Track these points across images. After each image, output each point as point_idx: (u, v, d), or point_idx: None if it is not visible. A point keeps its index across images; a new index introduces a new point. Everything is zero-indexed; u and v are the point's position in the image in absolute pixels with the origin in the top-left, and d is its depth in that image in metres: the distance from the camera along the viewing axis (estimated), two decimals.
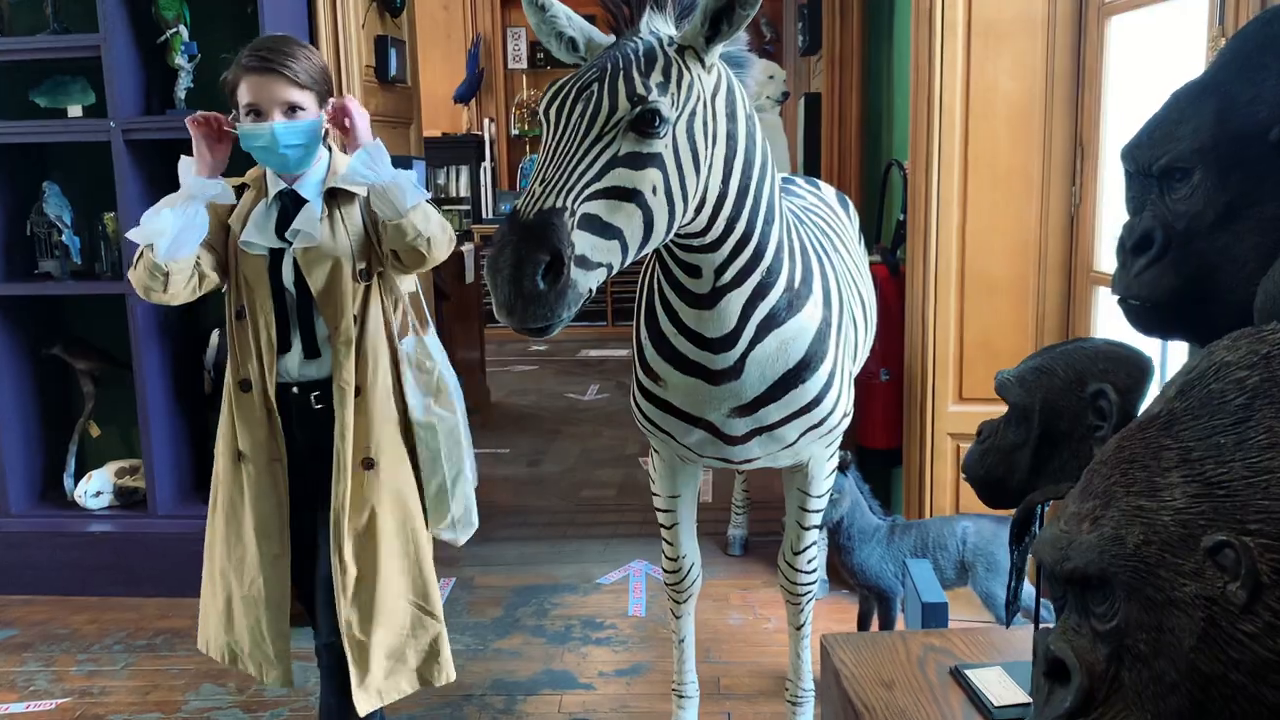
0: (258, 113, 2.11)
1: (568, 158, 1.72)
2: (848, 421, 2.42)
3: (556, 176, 1.71)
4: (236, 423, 2.28)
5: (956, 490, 3.34)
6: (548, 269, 1.65)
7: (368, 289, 2.26)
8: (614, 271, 1.80)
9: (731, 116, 1.92)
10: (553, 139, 1.77)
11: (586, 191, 1.71)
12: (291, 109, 2.12)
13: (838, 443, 2.50)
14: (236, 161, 2.24)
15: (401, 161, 4.20)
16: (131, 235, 2.14)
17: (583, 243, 1.70)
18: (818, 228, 2.54)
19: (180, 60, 3.59)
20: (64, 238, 3.70)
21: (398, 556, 2.30)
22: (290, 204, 2.22)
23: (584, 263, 1.71)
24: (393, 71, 4.14)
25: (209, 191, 2.14)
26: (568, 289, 1.68)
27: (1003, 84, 3.14)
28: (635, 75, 1.76)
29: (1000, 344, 3.24)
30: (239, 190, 2.29)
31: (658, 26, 1.87)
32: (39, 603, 3.73)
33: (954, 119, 3.17)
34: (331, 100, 2.19)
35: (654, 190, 1.78)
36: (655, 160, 1.77)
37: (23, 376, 3.87)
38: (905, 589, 2.79)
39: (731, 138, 1.92)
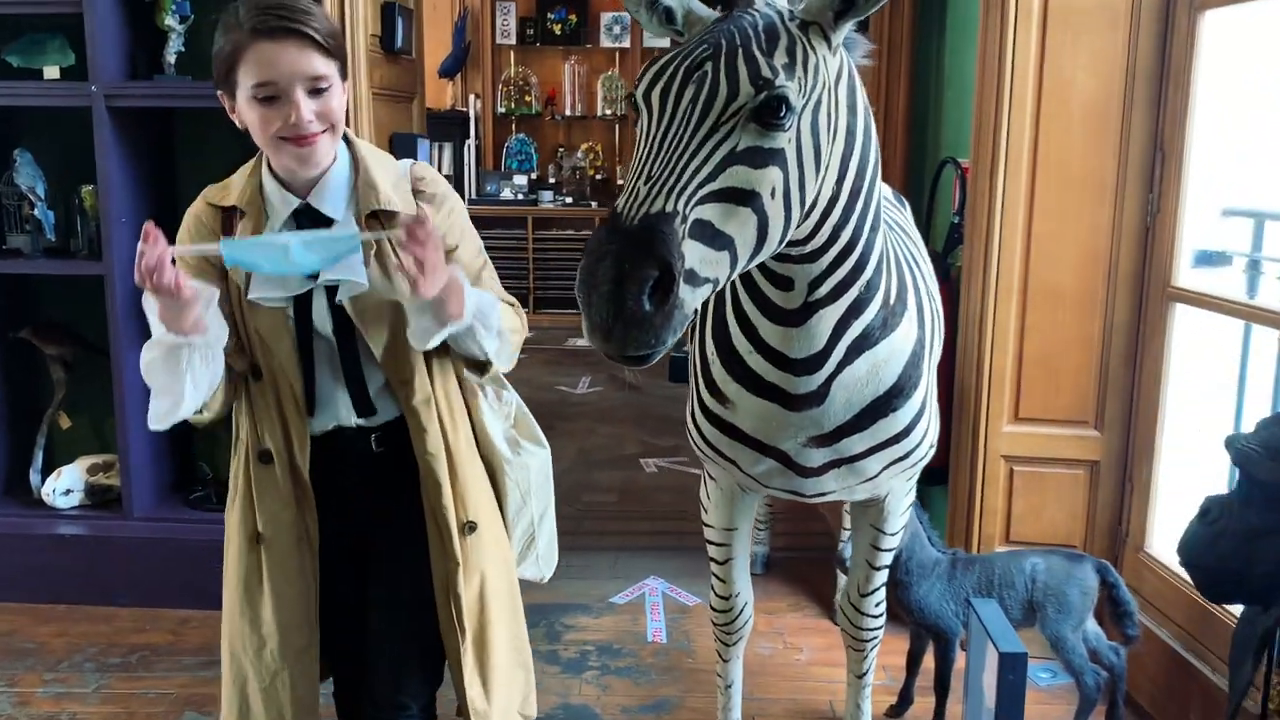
0: (271, 97, 1.60)
1: (677, 151, 1.45)
2: (933, 453, 2.17)
3: (664, 174, 1.43)
4: (256, 500, 1.83)
5: (1008, 518, 3.11)
6: (655, 286, 1.38)
7: None
8: (717, 289, 1.53)
9: (852, 109, 1.65)
10: (657, 128, 1.49)
11: (700, 193, 1.44)
12: (316, 89, 1.62)
13: (918, 475, 2.25)
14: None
15: (406, 141, 3.92)
16: (154, 424, 1.67)
17: (692, 254, 1.43)
18: (897, 230, 2.28)
19: (171, 21, 3.27)
20: (36, 211, 3.36)
21: (507, 613, 1.97)
22: (310, 224, 1.72)
23: (692, 278, 1.44)
24: (399, 43, 3.82)
25: (198, 331, 1.58)
26: (674, 310, 1.41)
27: (1079, 79, 2.89)
28: (757, 55, 1.48)
29: (1062, 361, 3.01)
30: (226, 215, 1.75)
31: None
32: (1, 610, 3.41)
33: (1024, 116, 2.92)
34: (402, 220, 1.61)
35: (773, 193, 1.50)
36: (777, 157, 1.50)
37: None
38: (969, 629, 2.56)
39: (851, 133, 1.65)
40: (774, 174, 1.50)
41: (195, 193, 3.56)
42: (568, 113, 8.90)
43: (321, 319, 1.74)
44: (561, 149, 9.01)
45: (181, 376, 1.60)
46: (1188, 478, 3.00)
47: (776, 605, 3.52)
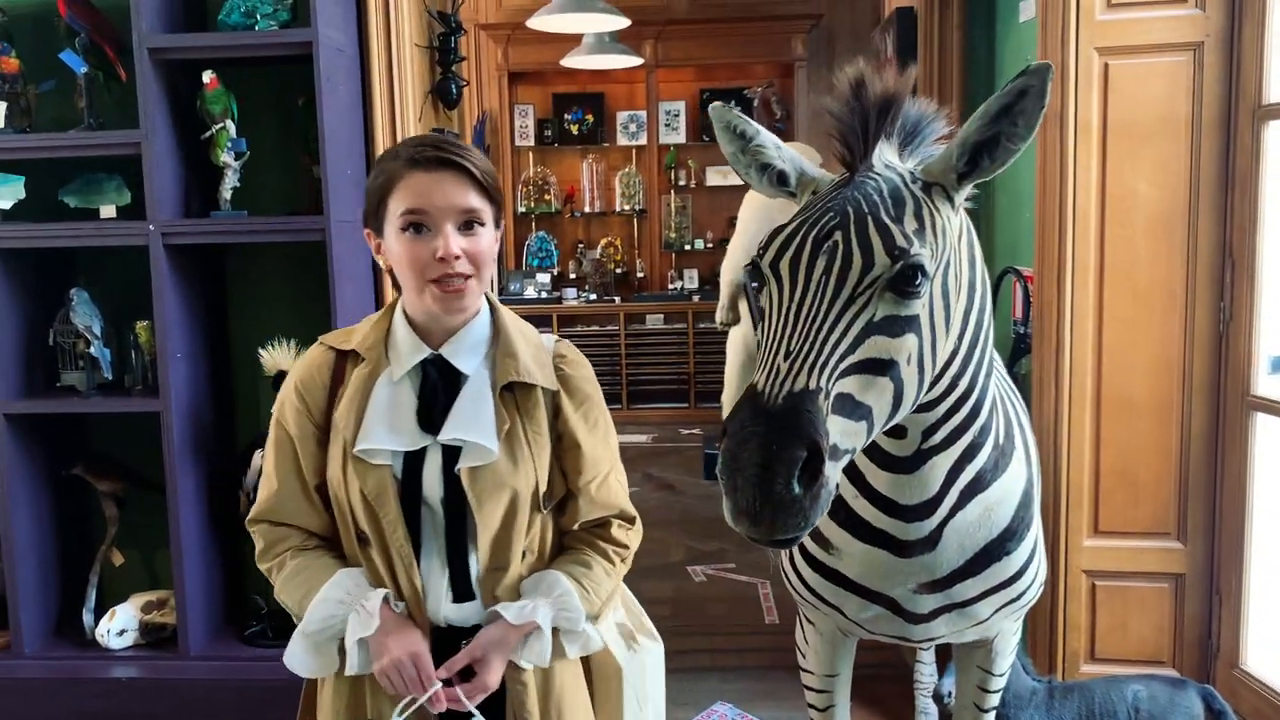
0: (418, 226, 1.54)
1: (814, 325, 1.41)
2: (1041, 592, 2.11)
3: (804, 349, 1.40)
4: (368, 687, 1.63)
5: (1092, 635, 3.04)
6: (804, 468, 1.33)
7: (544, 517, 1.68)
8: (850, 459, 1.49)
9: (972, 262, 1.63)
10: (789, 300, 1.45)
11: (841, 366, 1.40)
12: (469, 222, 1.56)
13: (1025, 614, 2.18)
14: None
15: None
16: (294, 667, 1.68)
17: (834, 429, 1.39)
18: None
19: (226, 158, 3.28)
20: (93, 349, 3.34)
21: None
22: (439, 376, 1.62)
23: (834, 453, 1.40)
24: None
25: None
26: (822, 490, 1.36)
27: (1142, 190, 2.89)
28: (888, 223, 1.46)
29: (1141, 471, 2.96)
30: (340, 359, 1.66)
31: (889, 159, 1.58)
32: None
33: (1088, 226, 2.92)
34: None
35: (909, 359, 1.47)
36: (913, 324, 1.46)
37: (40, 500, 3.49)
38: None
39: (973, 287, 1.62)
40: (911, 341, 1.47)
41: (246, 327, 3.60)
42: (586, 209, 8.97)
43: (433, 483, 1.60)
44: (581, 244, 9.06)
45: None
46: None
47: None
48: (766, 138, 1.68)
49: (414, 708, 1.54)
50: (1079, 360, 2.95)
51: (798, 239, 1.50)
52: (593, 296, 8.56)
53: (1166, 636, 3.00)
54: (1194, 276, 2.88)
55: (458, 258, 1.54)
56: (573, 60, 7.02)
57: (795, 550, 2.09)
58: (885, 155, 1.57)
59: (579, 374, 1.71)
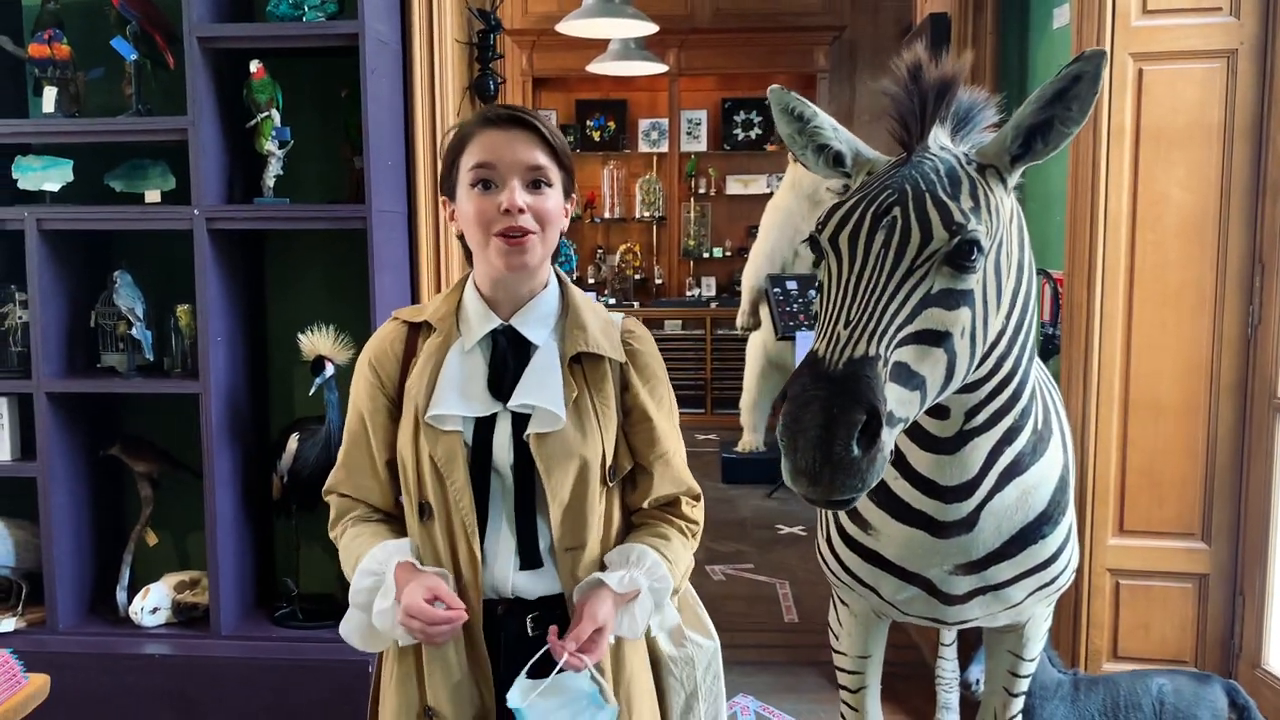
0: (487, 182, 1.57)
1: (874, 296, 1.47)
2: (1073, 579, 2.15)
3: (863, 318, 1.45)
4: (425, 669, 1.63)
5: (1115, 633, 3.07)
6: (863, 431, 1.38)
7: (610, 492, 1.68)
8: (903, 428, 1.54)
9: (1022, 245, 1.68)
10: (849, 272, 1.51)
11: (899, 336, 1.45)
12: (536, 181, 1.58)
13: (1056, 599, 2.22)
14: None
15: None
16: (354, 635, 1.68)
17: (891, 396, 1.44)
18: None
19: (271, 146, 3.34)
20: (135, 331, 3.40)
21: None
22: (509, 346, 1.65)
23: (891, 420, 1.45)
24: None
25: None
26: (878, 454, 1.41)
27: (1174, 194, 2.93)
28: (945, 199, 1.51)
29: (1167, 472, 3.00)
30: (413, 331, 1.69)
31: (944, 141, 1.63)
32: None
33: (1119, 230, 2.96)
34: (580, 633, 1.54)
35: (962, 332, 1.52)
36: (967, 298, 1.52)
37: (77, 479, 3.54)
38: None
39: (1021, 269, 1.68)
40: (965, 314, 1.52)
41: (282, 313, 3.65)
42: (607, 215, 9.03)
43: (502, 450, 1.61)
44: (600, 250, 9.12)
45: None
46: None
47: None
48: (824, 119, 1.74)
49: (450, 628, 1.53)
50: (1107, 361, 2.99)
51: (857, 214, 1.55)
52: (611, 302, 8.62)
53: (1189, 636, 3.04)
54: (1223, 280, 2.92)
55: (522, 211, 1.56)
56: (598, 66, 7.10)
57: (833, 532, 2.14)
58: (940, 138, 1.63)
59: (647, 349, 1.73)
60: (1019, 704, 2.31)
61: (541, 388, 1.60)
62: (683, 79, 8.58)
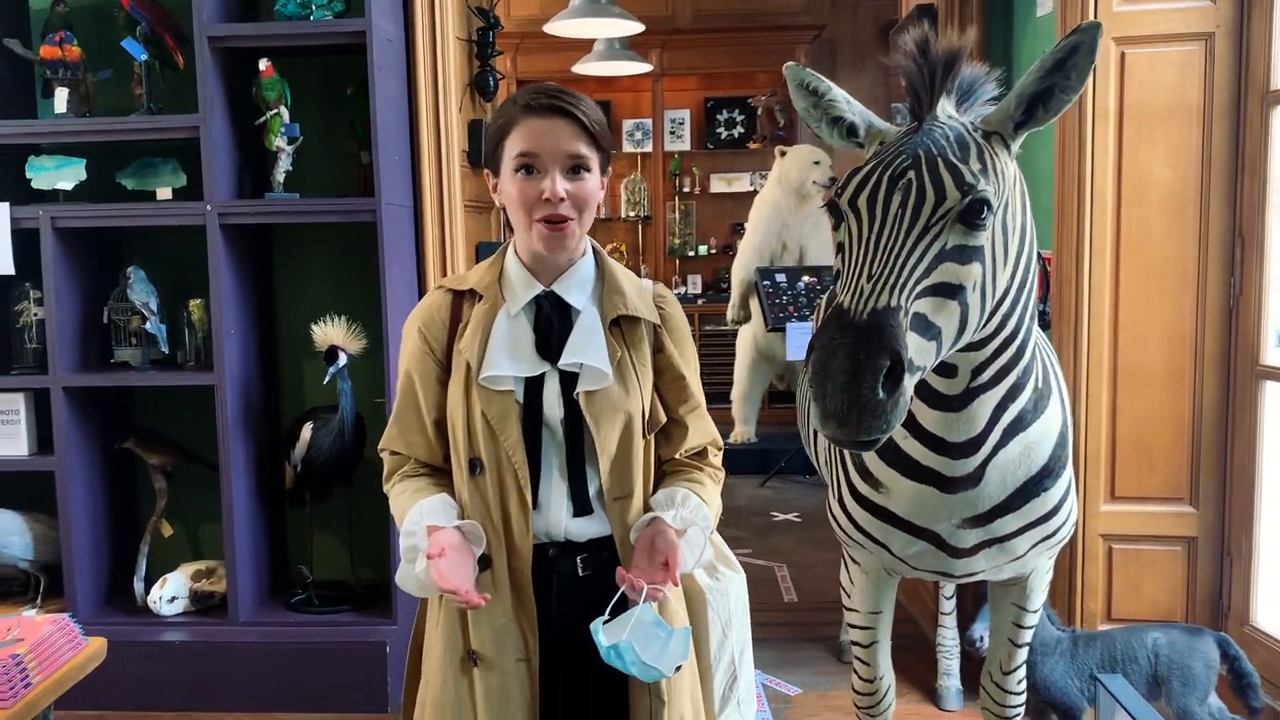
0: (529, 168, 1.65)
1: (893, 251, 1.58)
2: (1074, 531, 2.26)
3: (884, 272, 1.56)
4: (470, 613, 1.71)
5: (1108, 596, 3.19)
6: (888, 375, 1.49)
7: (648, 444, 1.78)
8: (921, 376, 1.65)
9: (1025, 208, 1.79)
10: (869, 231, 1.62)
11: (918, 288, 1.56)
12: (576, 167, 1.66)
13: (1057, 553, 2.34)
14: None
15: (489, 249, 4.07)
16: (406, 584, 1.72)
17: (911, 345, 1.55)
18: None
19: (280, 142, 3.43)
20: (149, 326, 3.47)
21: None
22: (553, 310, 1.74)
23: (911, 367, 1.55)
24: (485, 158, 3.99)
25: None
26: (901, 397, 1.52)
27: (1157, 172, 3.05)
28: (956, 162, 1.62)
29: (1155, 440, 3.11)
30: (457, 299, 1.77)
31: (951, 111, 1.74)
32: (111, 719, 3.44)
33: (1105, 207, 3.08)
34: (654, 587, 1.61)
35: (974, 286, 1.64)
36: (978, 254, 1.63)
37: (93, 472, 3.62)
38: (1098, 705, 2.61)
39: (1024, 231, 1.79)
40: (976, 269, 1.63)
41: (292, 307, 3.74)
42: None
43: (553, 406, 1.71)
44: None
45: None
46: None
47: None
48: (838, 93, 1.84)
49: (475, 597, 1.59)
50: (1096, 334, 3.10)
51: (874, 178, 1.66)
52: None
53: (1179, 597, 3.15)
54: (1206, 254, 3.04)
55: (562, 200, 1.64)
56: (583, 67, 7.19)
57: (845, 491, 2.24)
58: (947, 108, 1.74)
59: (676, 312, 1.85)
60: (1023, 654, 2.42)
61: (589, 348, 1.70)
62: (665, 79, 8.69)
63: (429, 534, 1.66)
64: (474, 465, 1.72)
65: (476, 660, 1.71)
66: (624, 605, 1.62)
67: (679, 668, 1.62)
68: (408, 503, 1.75)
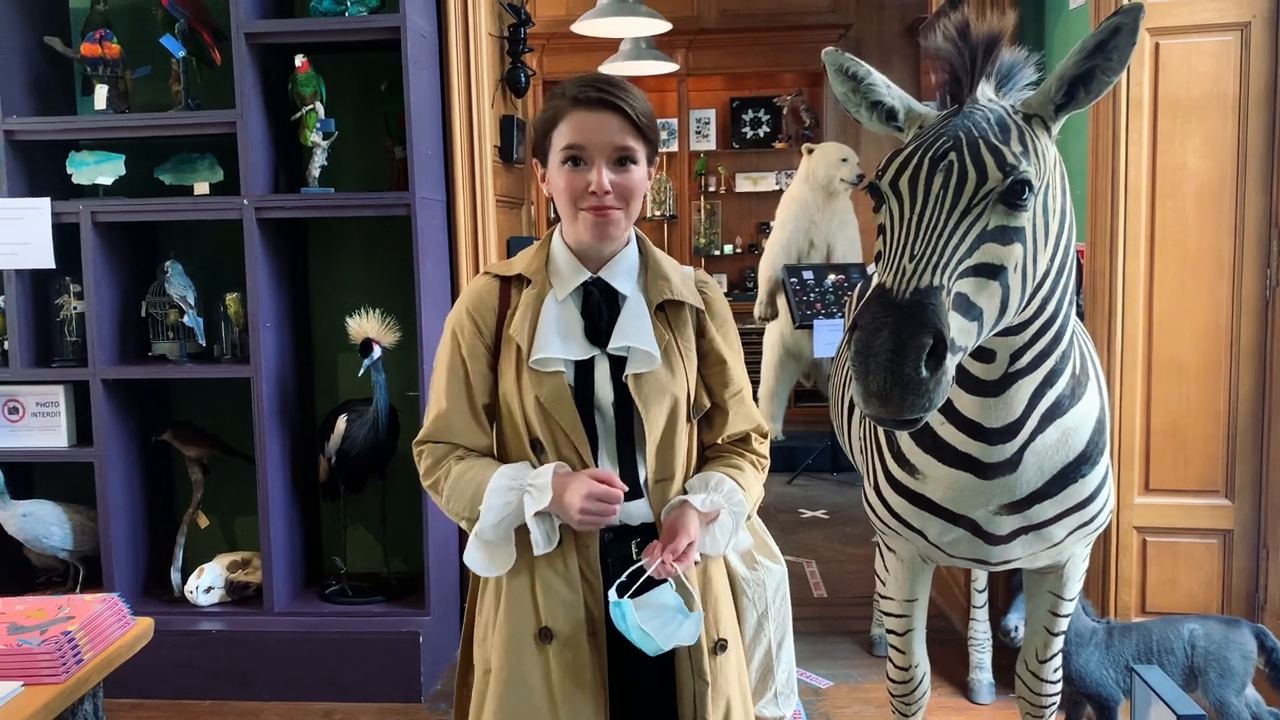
0: (576, 159, 1.67)
1: (935, 231, 1.59)
2: (1111, 517, 2.26)
3: (926, 252, 1.57)
4: (539, 590, 1.71)
5: (1143, 589, 3.17)
6: (930, 354, 1.50)
7: (691, 428, 1.80)
8: (962, 357, 1.65)
9: (1064, 191, 1.80)
10: (911, 212, 1.63)
11: (960, 268, 1.58)
12: (622, 159, 1.67)
13: (1094, 540, 2.33)
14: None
15: (521, 244, 4.10)
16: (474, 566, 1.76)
17: (954, 324, 1.56)
18: None
19: (315, 138, 3.46)
20: (186, 319, 3.52)
21: None
22: (601, 296, 1.75)
23: (953, 347, 1.56)
24: (516, 154, 4.02)
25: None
26: (943, 376, 1.53)
27: (1191, 163, 3.04)
28: (997, 144, 1.63)
29: (1189, 432, 3.10)
30: (505, 285, 1.79)
31: (990, 94, 1.75)
32: (148, 708, 3.47)
33: (1139, 199, 3.07)
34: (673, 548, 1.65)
35: (1015, 267, 1.65)
36: (1019, 235, 1.64)
37: (131, 464, 3.66)
38: (1134, 696, 2.60)
39: (1064, 212, 1.79)
40: (1017, 250, 1.64)
41: (327, 299, 3.77)
42: None
43: (604, 389, 1.72)
44: None
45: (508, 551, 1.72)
46: None
47: None
48: (877, 78, 1.85)
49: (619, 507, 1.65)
50: (1130, 326, 3.10)
51: (915, 159, 1.67)
52: None
53: (1215, 590, 3.14)
54: (1241, 245, 3.03)
55: (608, 192, 1.66)
56: (610, 67, 7.20)
57: (881, 479, 2.25)
58: (987, 91, 1.75)
59: (718, 297, 1.87)
60: (1059, 643, 2.42)
61: (637, 331, 1.72)
62: (691, 79, 8.70)
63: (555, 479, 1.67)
64: (535, 445, 1.73)
65: (550, 637, 1.71)
66: (649, 582, 1.65)
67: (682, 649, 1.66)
68: (483, 473, 1.73)
